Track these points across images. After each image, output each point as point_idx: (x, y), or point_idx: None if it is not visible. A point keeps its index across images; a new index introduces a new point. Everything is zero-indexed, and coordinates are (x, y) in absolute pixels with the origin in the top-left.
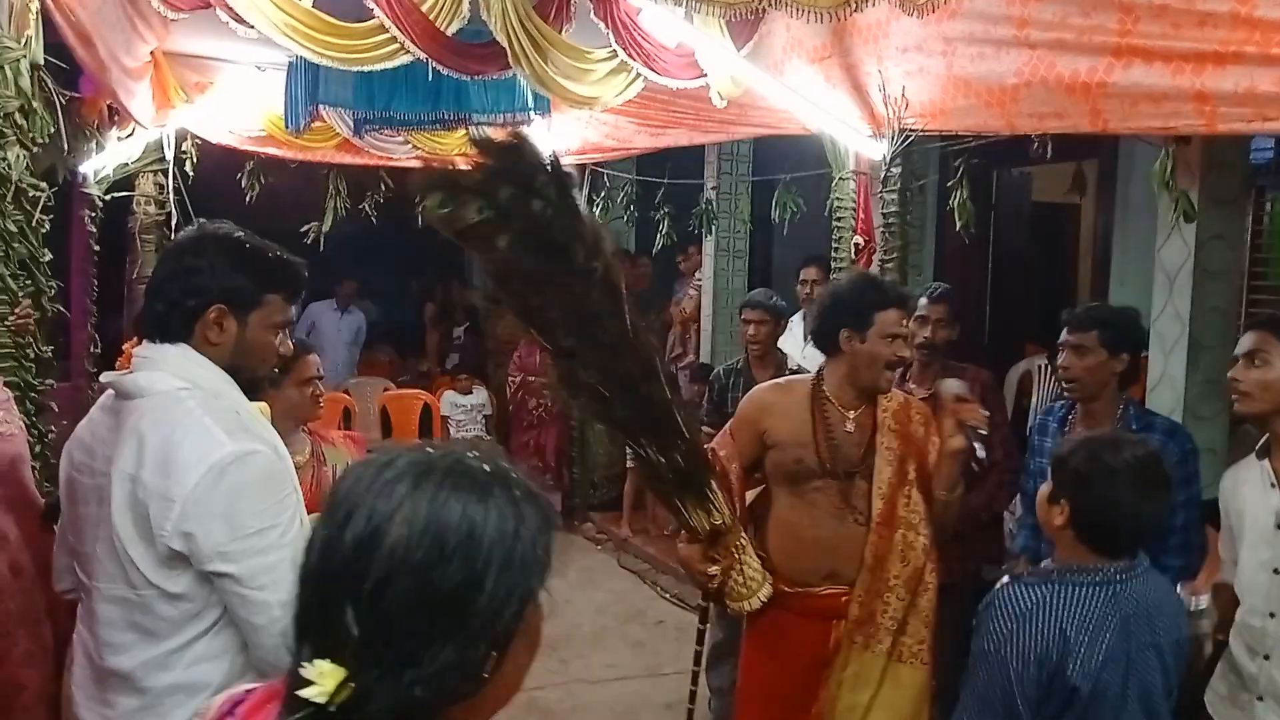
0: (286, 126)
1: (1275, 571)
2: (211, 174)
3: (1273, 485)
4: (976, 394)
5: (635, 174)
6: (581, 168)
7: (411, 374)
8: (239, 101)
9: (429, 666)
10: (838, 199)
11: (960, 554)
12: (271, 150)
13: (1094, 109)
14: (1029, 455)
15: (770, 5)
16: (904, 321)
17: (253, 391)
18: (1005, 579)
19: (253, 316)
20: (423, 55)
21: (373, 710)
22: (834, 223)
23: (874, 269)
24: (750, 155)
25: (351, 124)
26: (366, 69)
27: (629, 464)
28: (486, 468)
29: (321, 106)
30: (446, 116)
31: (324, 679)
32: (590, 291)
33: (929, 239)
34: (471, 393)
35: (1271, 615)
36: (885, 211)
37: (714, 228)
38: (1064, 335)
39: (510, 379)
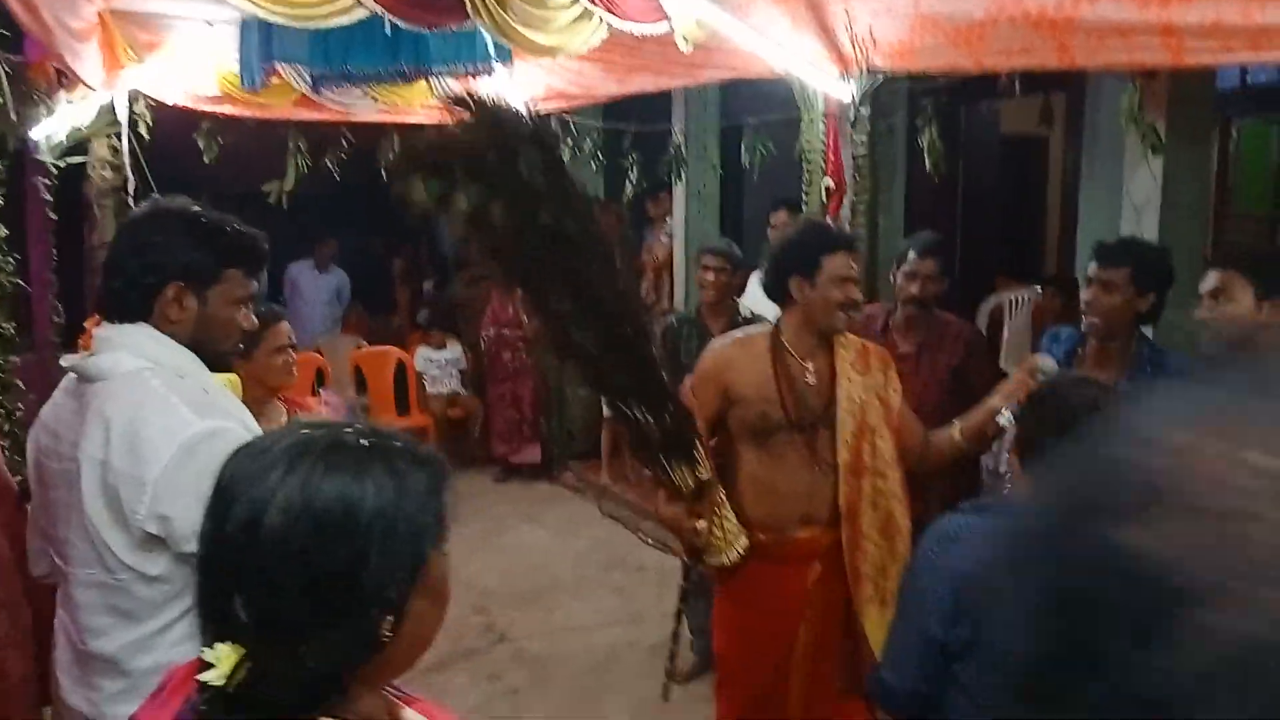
0: (242, 85)
1: None
2: (167, 135)
3: None
4: (961, 348)
5: (602, 121)
6: (546, 116)
7: (383, 331)
8: (191, 60)
9: (322, 641)
10: (807, 142)
11: (940, 494)
12: (228, 109)
13: (1061, 44)
14: None
15: None
16: (851, 264)
17: (219, 366)
18: None
19: (213, 292)
20: (378, 9)
21: (272, 686)
22: (804, 166)
23: (845, 211)
24: (719, 100)
25: (310, 80)
26: (319, 26)
27: (605, 413)
28: (365, 442)
29: (277, 64)
30: (406, 70)
31: (222, 662)
32: (582, 254)
33: (899, 177)
34: (445, 347)
35: None
36: (855, 154)
37: (683, 174)
38: (1092, 269)
39: (484, 332)
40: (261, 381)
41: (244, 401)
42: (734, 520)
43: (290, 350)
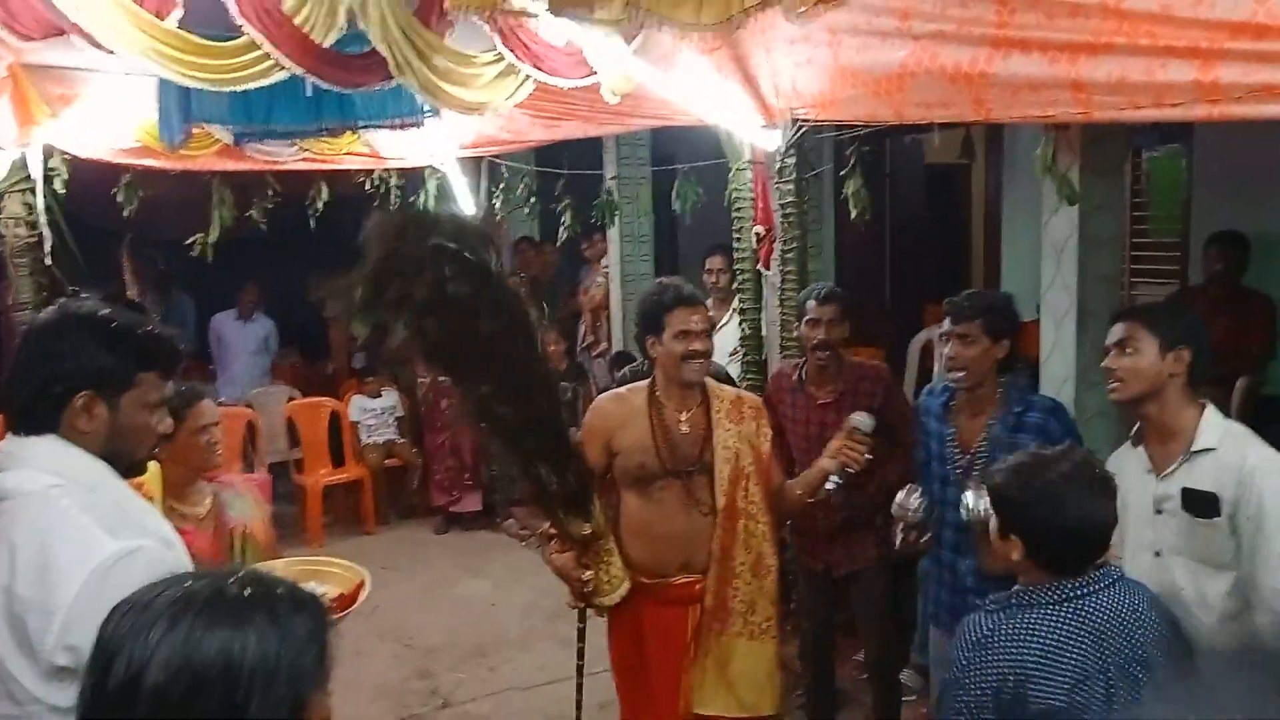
0: (161, 141)
1: (1156, 554)
2: (85, 189)
3: (1149, 471)
4: (881, 390)
5: (535, 164)
6: (478, 160)
7: (318, 377)
8: (109, 113)
9: None
10: (736, 190)
11: (875, 539)
12: (148, 161)
13: (977, 98)
14: (923, 437)
15: (655, 26)
16: (694, 317)
17: (135, 472)
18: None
19: (125, 398)
20: (300, 70)
21: None
22: (734, 213)
23: (775, 257)
24: (650, 144)
25: (232, 136)
26: (241, 89)
27: None
28: (247, 591)
29: (195, 123)
30: (331, 126)
31: None
32: (507, 343)
33: (828, 217)
34: (380, 395)
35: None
36: (783, 201)
37: (616, 217)
38: (947, 324)
39: (420, 379)
40: (184, 463)
41: (166, 484)
42: (619, 564)
43: (214, 429)
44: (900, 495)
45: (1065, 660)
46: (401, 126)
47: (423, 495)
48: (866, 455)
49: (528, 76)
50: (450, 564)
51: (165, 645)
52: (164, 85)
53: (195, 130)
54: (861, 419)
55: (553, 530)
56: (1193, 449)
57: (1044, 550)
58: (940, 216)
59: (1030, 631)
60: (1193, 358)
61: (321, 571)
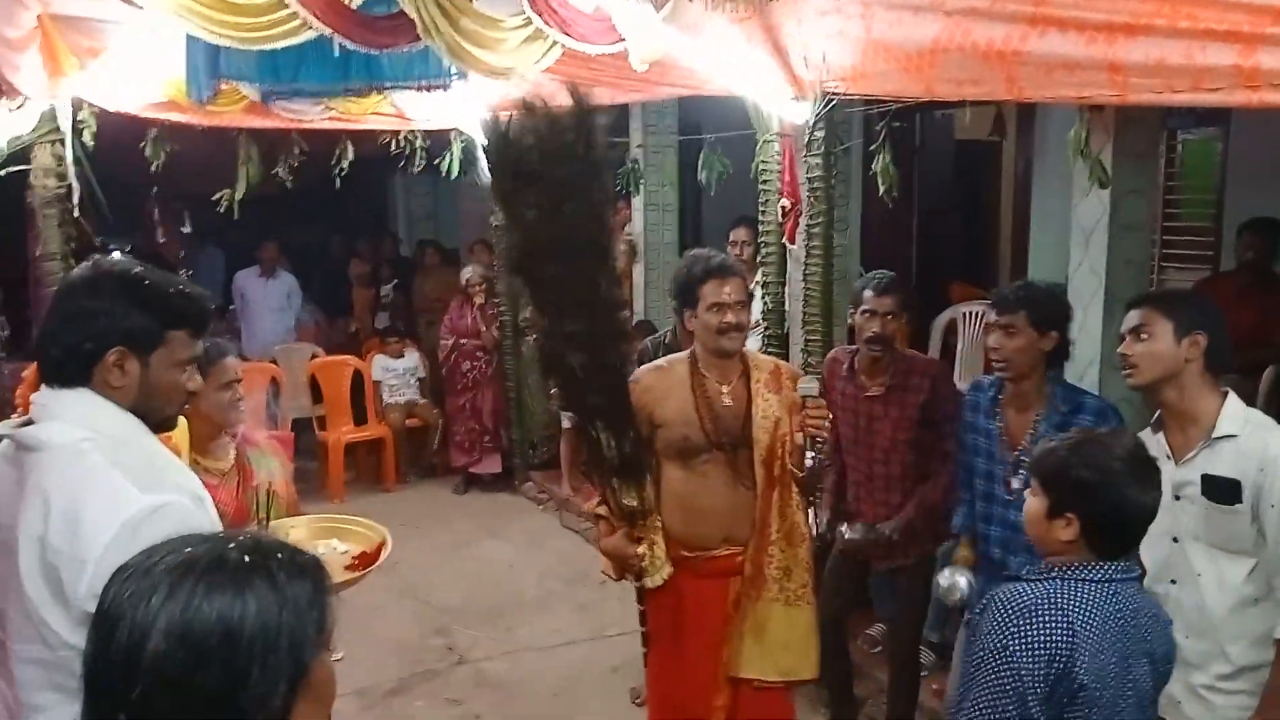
0: (189, 97)
1: (1174, 540)
2: (113, 143)
3: (1168, 457)
4: (928, 384)
5: None
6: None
7: (341, 336)
8: (137, 67)
9: None
10: (762, 162)
11: (912, 537)
12: (175, 116)
13: (1010, 76)
14: (962, 432)
15: None
16: (726, 289)
17: (165, 428)
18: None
19: (155, 356)
20: (327, 30)
21: None
22: (760, 186)
23: (800, 231)
24: (677, 113)
25: (259, 94)
26: (269, 47)
27: (564, 424)
28: (247, 557)
29: (224, 80)
30: (358, 86)
31: None
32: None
33: (855, 192)
34: (403, 356)
35: (1172, 582)
36: (810, 175)
37: (641, 186)
38: (993, 316)
39: (442, 341)
40: (209, 419)
41: (191, 439)
42: (663, 545)
43: (237, 385)
44: (943, 579)
45: (1104, 638)
46: (428, 89)
47: (443, 456)
48: (827, 419)
49: (555, 42)
50: (469, 525)
51: (165, 613)
52: (192, 41)
53: (223, 87)
54: (805, 385)
55: (600, 508)
56: (1214, 435)
57: (1101, 532)
58: (969, 194)
59: (1078, 601)
60: (1208, 343)
61: (344, 529)
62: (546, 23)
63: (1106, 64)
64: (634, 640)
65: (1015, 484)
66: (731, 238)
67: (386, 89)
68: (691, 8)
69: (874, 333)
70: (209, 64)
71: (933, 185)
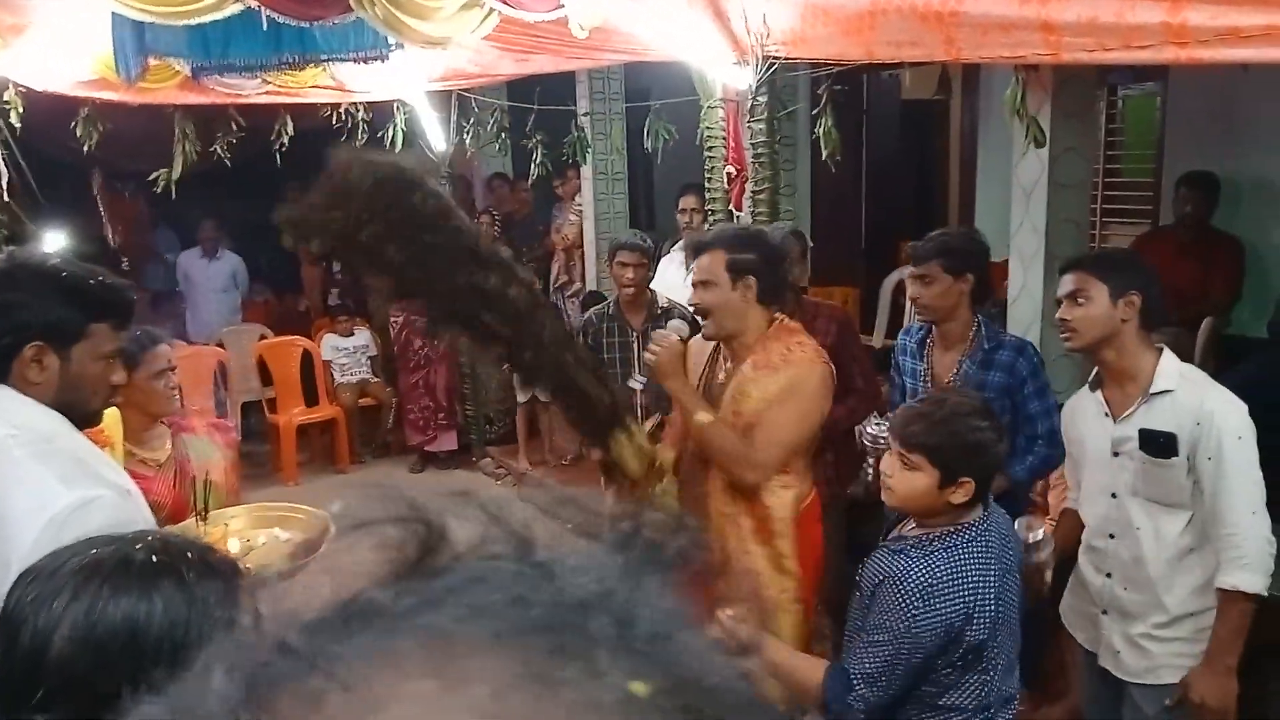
0: (118, 75)
1: (1113, 496)
2: (42, 123)
3: (1106, 414)
4: (834, 329)
5: (507, 99)
6: (448, 94)
7: (292, 315)
8: (64, 44)
9: None
10: (707, 128)
11: (823, 475)
12: (107, 94)
13: (947, 38)
14: (893, 371)
15: None
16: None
17: (91, 423)
18: (883, 549)
19: (77, 350)
20: (254, 3)
21: None
22: (705, 152)
23: (747, 197)
24: (624, 80)
25: (190, 69)
26: (194, 22)
27: (519, 398)
28: (154, 558)
29: (152, 57)
30: (290, 59)
31: None
32: (484, 270)
33: (803, 156)
34: (353, 334)
35: (1111, 536)
36: (754, 141)
37: (588, 155)
38: (910, 267)
39: (393, 319)
40: (142, 409)
41: (125, 430)
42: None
43: (170, 374)
44: (871, 428)
45: (987, 594)
46: (365, 60)
47: (397, 434)
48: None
49: (492, 10)
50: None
51: (69, 615)
52: (117, 17)
53: (155, 63)
54: (675, 326)
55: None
56: (1150, 391)
57: (983, 489)
58: (917, 154)
59: (966, 571)
60: (1143, 302)
61: (286, 517)
62: None
63: (1040, 24)
64: None
65: None
66: (680, 205)
67: (322, 61)
68: None
69: None
70: (135, 40)
71: (881, 147)
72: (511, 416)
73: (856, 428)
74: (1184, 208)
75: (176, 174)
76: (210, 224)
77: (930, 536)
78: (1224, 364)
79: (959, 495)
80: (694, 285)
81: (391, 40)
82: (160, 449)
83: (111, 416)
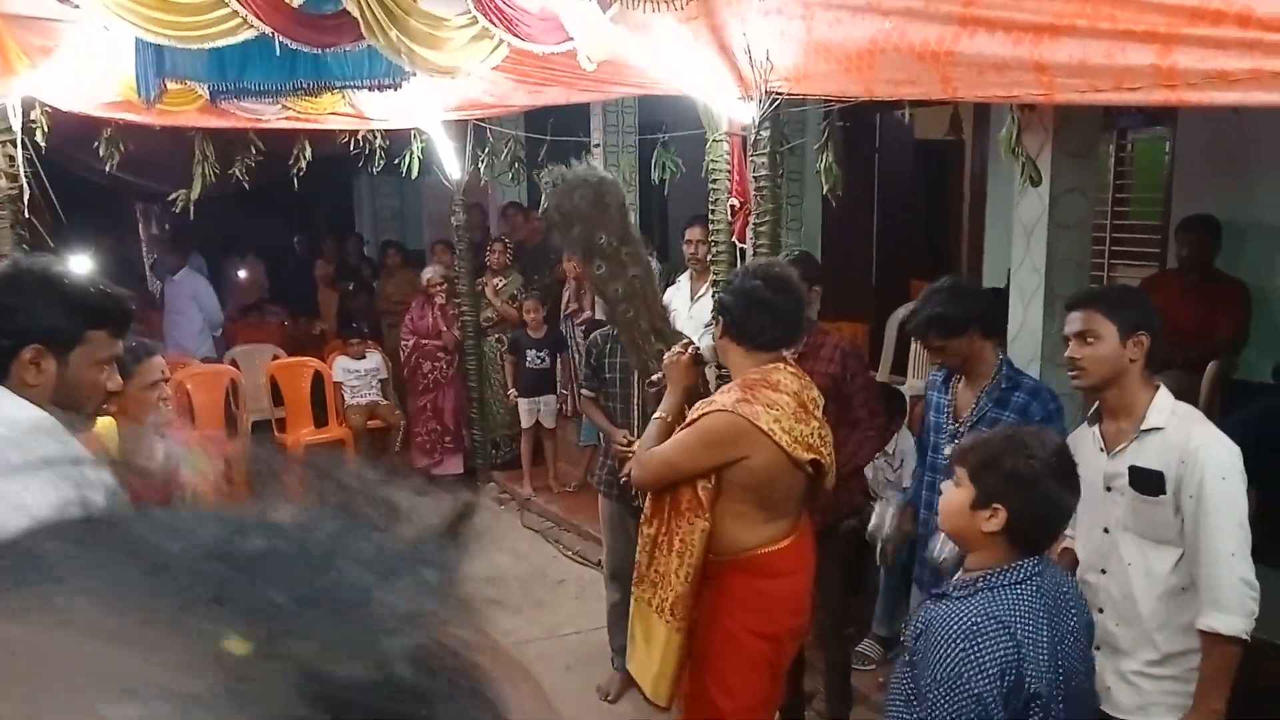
0: (139, 96)
1: (1105, 530)
2: (67, 143)
3: (1101, 450)
4: (839, 358)
5: (524, 130)
6: (464, 123)
7: (306, 337)
8: (89, 65)
9: None
10: (712, 161)
11: (824, 505)
12: (129, 116)
13: (944, 76)
14: (926, 410)
15: None
16: None
17: (83, 427)
18: (927, 601)
19: (74, 355)
20: (268, 29)
21: None
22: (710, 185)
23: (749, 229)
24: (637, 112)
25: (208, 93)
26: (208, 46)
27: (523, 423)
28: None
29: (170, 79)
30: (305, 85)
31: None
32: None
33: (812, 191)
34: (365, 357)
35: (1103, 571)
36: (756, 174)
37: None
38: (903, 309)
39: (403, 341)
40: (134, 418)
41: (117, 440)
42: None
43: (163, 385)
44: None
45: (1040, 638)
46: (379, 88)
47: (404, 457)
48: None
49: (501, 41)
50: None
51: None
52: (139, 40)
53: (175, 86)
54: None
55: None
56: (1142, 428)
57: (1026, 525)
58: (929, 194)
59: (1013, 610)
60: (1150, 342)
61: None
62: (492, 21)
63: (1033, 64)
64: (588, 639)
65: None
66: (686, 236)
67: (337, 88)
68: (638, 7)
69: None
70: (155, 63)
71: (893, 185)
72: (518, 442)
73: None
74: (1183, 250)
75: (195, 194)
76: (166, 245)
77: (973, 578)
78: (1229, 408)
79: (991, 523)
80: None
81: (405, 68)
82: (150, 459)
83: (104, 425)
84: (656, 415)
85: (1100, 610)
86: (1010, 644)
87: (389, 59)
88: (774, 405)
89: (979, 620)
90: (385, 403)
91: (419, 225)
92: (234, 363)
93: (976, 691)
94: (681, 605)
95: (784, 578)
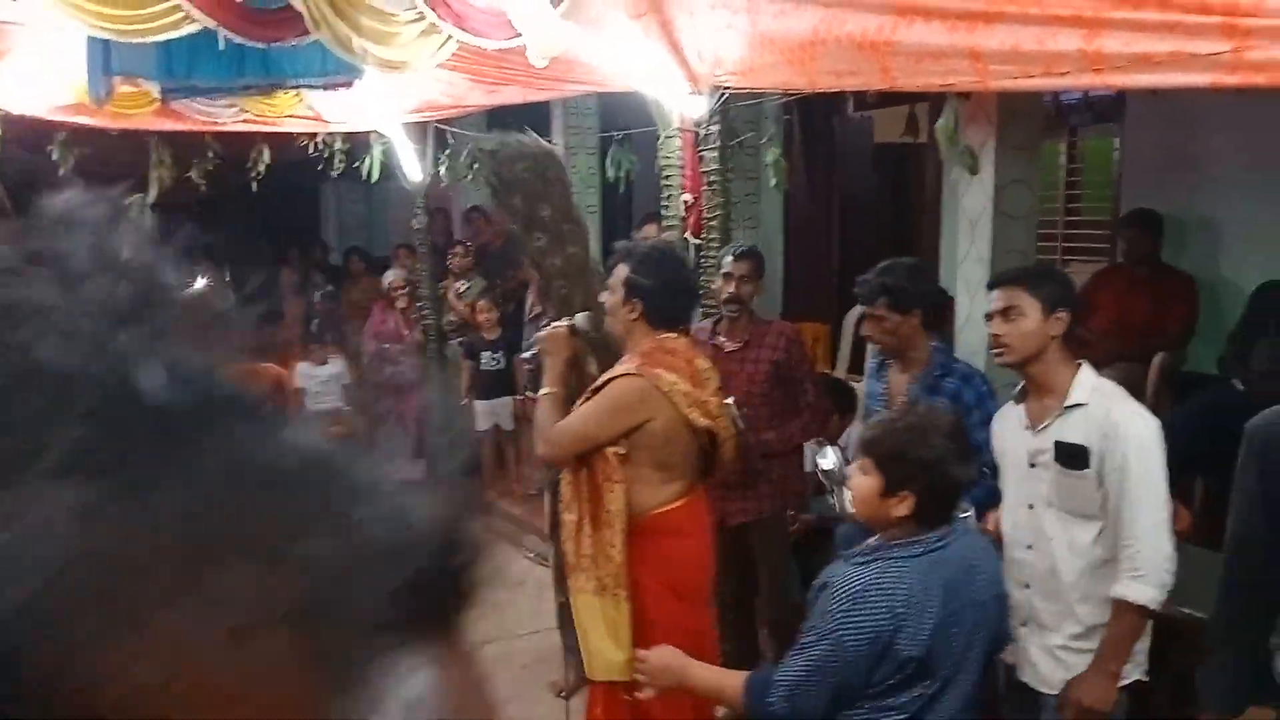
0: (90, 96)
1: (1030, 506)
2: (21, 146)
3: (1026, 427)
4: (783, 344)
5: (486, 131)
6: (424, 125)
7: (269, 345)
8: (43, 69)
9: None
10: (665, 157)
11: (772, 490)
12: (84, 119)
13: (883, 66)
14: (867, 398)
15: None
16: None
17: None
18: (837, 560)
19: None
20: (210, 23)
21: None
22: (663, 181)
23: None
24: (598, 111)
25: (159, 91)
26: (152, 40)
27: (480, 426)
28: None
29: (118, 78)
30: (255, 83)
31: None
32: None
33: (768, 189)
34: (327, 363)
35: (1029, 547)
36: (706, 170)
37: None
38: (861, 307)
39: (365, 347)
40: None
41: None
42: None
43: None
44: (821, 460)
45: (926, 610)
46: (332, 87)
47: None
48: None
49: (450, 36)
50: None
51: None
52: (89, 40)
53: (129, 88)
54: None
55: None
56: (1066, 404)
57: (931, 506)
58: (889, 195)
59: (899, 582)
60: (1071, 318)
61: None
62: (440, 17)
63: (968, 51)
64: (546, 639)
65: None
66: (642, 233)
67: (288, 86)
68: (590, 3)
69: (730, 293)
70: (103, 61)
71: (852, 187)
72: (481, 445)
73: (808, 452)
74: (1125, 245)
75: (151, 199)
76: None
77: (874, 546)
78: (1178, 399)
79: (900, 508)
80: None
81: (355, 65)
82: None
83: None
84: (543, 391)
85: (1026, 586)
86: (887, 615)
87: (338, 55)
88: (673, 369)
89: (865, 588)
90: (348, 409)
91: (386, 232)
92: None
93: (844, 650)
94: (623, 574)
95: (686, 536)
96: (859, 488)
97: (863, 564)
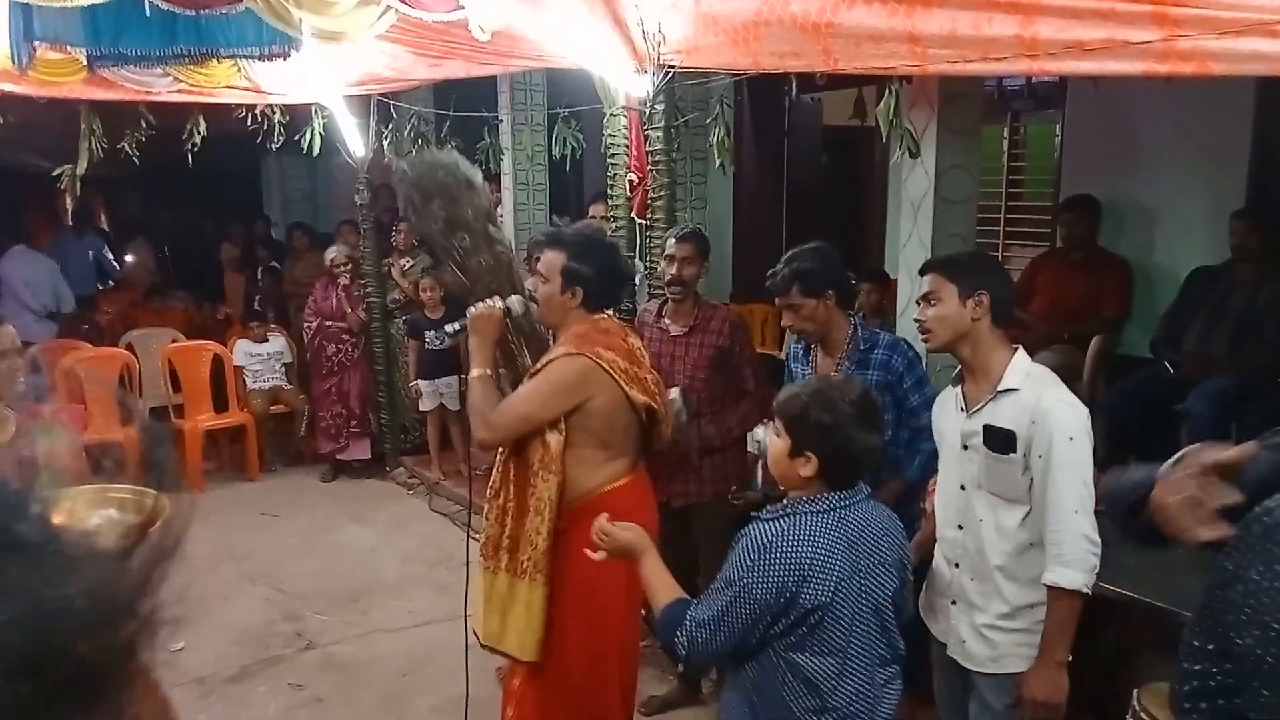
0: (13, 62)
1: (961, 487)
2: None
3: (961, 409)
4: (727, 329)
5: (433, 107)
6: (367, 99)
7: (210, 322)
8: None
9: None
10: (610, 135)
11: (715, 473)
12: (8, 86)
13: (825, 48)
14: (786, 378)
15: None
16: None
17: None
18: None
19: None
20: None
21: None
22: (608, 160)
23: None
24: (545, 88)
25: (85, 58)
26: (75, 4)
27: (424, 406)
28: None
29: (42, 43)
30: (187, 52)
31: None
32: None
33: (715, 170)
34: (267, 340)
35: (960, 528)
36: (651, 149)
37: (502, 162)
38: (779, 301)
39: (306, 324)
40: None
41: None
42: None
43: (15, 355)
44: (760, 433)
45: (831, 562)
46: (268, 57)
47: (309, 443)
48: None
49: (389, 7)
50: (333, 511)
51: None
52: (11, 3)
53: (56, 54)
54: (512, 299)
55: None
56: (999, 388)
57: (836, 468)
58: (839, 178)
59: (805, 536)
60: (992, 301)
61: (125, 499)
62: None
63: (907, 35)
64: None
65: None
66: (591, 212)
67: (222, 56)
68: None
69: (673, 275)
70: (24, 26)
71: (802, 170)
72: (425, 426)
73: (749, 434)
74: (1064, 230)
75: (81, 170)
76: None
77: (785, 505)
78: (1113, 381)
79: (806, 468)
80: (534, 274)
81: (291, 35)
82: (5, 431)
83: None
84: (474, 373)
85: (956, 565)
86: (793, 567)
87: (271, 24)
88: (610, 347)
89: (775, 540)
90: (289, 387)
91: (329, 207)
92: (130, 347)
93: (753, 597)
94: (544, 560)
95: (632, 513)
96: (771, 448)
97: (771, 520)
